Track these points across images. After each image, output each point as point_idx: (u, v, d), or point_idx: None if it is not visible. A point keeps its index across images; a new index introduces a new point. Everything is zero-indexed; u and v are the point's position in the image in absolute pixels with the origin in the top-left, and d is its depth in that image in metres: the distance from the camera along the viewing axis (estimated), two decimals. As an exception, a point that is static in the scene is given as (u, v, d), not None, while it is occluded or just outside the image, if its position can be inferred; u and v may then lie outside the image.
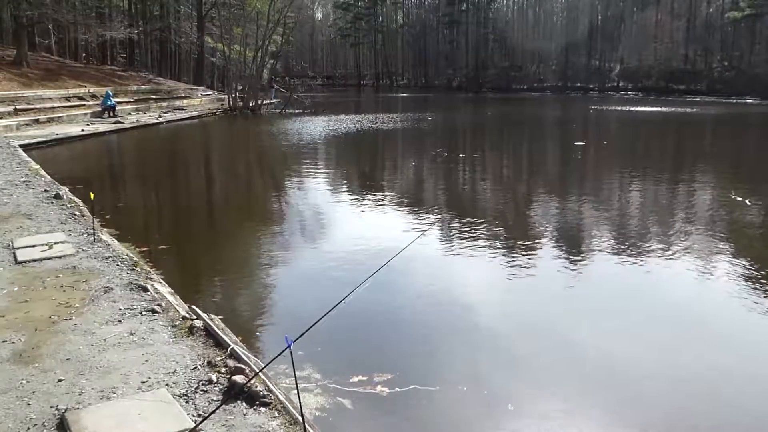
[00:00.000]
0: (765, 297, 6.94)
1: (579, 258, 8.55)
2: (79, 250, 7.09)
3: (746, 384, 5.12)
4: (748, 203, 11.86)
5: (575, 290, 7.35)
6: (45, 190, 10.76)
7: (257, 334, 5.99)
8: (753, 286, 7.29)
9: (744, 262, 8.27)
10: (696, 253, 8.67)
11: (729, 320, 6.44)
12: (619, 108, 47.13)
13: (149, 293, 5.73)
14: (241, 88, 39.16)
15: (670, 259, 8.36)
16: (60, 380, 4.07)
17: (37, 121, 23.73)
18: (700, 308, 6.85)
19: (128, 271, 6.38)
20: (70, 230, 8.04)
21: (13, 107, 24.07)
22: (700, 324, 6.43)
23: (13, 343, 4.62)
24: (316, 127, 28.85)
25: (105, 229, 8.61)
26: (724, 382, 5.14)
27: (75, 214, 9.03)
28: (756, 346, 5.87)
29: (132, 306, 5.40)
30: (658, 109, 45.57)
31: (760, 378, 5.21)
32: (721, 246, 9.10)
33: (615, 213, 11.69)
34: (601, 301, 7.08)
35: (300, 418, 3.60)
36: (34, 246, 7.13)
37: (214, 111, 36.89)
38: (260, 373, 3.89)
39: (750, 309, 6.57)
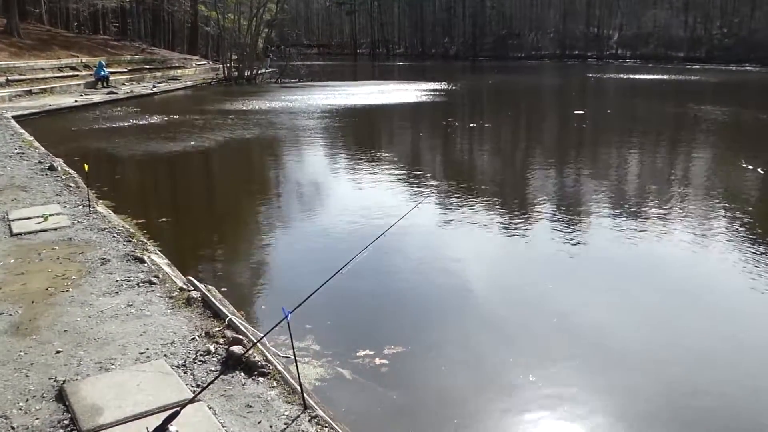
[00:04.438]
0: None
1: (592, 227, 8.52)
2: (75, 222, 7.05)
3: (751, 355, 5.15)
4: (761, 171, 11.83)
5: (586, 258, 7.33)
6: (39, 162, 10.67)
7: (255, 305, 5.99)
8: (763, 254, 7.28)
9: (755, 230, 8.25)
10: (708, 223, 8.63)
11: (738, 292, 6.39)
12: (619, 76, 46.71)
13: (146, 265, 5.71)
14: (236, 57, 38.62)
15: (680, 228, 8.30)
16: (58, 352, 4.07)
17: (29, 92, 23.43)
18: (708, 281, 6.80)
19: (125, 243, 6.35)
20: (65, 202, 7.99)
21: (5, 78, 23.72)
22: (707, 297, 6.39)
23: (11, 315, 4.61)
24: (313, 96, 28.53)
25: (101, 201, 8.54)
26: (733, 356, 5.17)
27: (70, 186, 8.96)
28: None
29: (129, 277, 5.38)
30: (658, 76, 45.18)
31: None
32: (734, 215, 9.01)
33: (625, 183, 11.63)
34: (609, 270, 7.10)
35: (298, 388, 3.61)
36: (29, 218, 7.08)
37: (209, 81, 36.43)
38: (258, 344, 3.89)
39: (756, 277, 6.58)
